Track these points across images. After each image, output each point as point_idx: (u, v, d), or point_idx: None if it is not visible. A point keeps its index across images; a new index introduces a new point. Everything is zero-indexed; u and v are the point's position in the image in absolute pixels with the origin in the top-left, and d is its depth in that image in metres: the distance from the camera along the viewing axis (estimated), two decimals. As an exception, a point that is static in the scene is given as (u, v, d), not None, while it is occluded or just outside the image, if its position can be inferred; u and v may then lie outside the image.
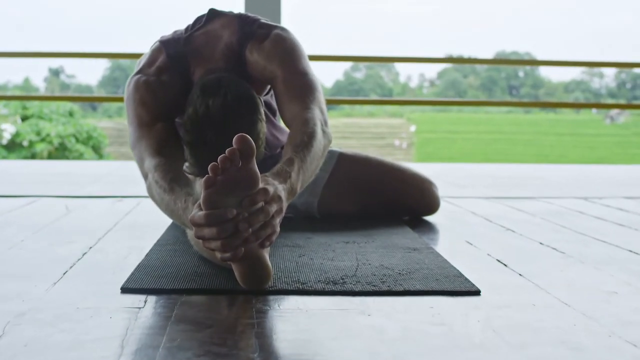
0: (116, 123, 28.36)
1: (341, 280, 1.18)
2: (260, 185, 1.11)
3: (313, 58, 2.58)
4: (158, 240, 1.53)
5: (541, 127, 32.65)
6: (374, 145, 29.01)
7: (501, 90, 49.67)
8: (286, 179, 1.21)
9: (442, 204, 2.11)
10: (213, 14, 1.58)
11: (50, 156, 17.21)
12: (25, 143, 17.18)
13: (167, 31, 1.63)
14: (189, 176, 1.53)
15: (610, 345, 0.89)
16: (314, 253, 1.41)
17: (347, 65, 55.26)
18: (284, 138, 1.80)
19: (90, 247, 1.48)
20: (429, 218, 1.95)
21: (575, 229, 1.80)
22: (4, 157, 16.29)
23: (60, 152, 17.61)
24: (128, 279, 1.17)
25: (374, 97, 47.23)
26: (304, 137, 1.35)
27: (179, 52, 1.53)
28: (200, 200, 1.07)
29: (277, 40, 1.51)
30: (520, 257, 1.44)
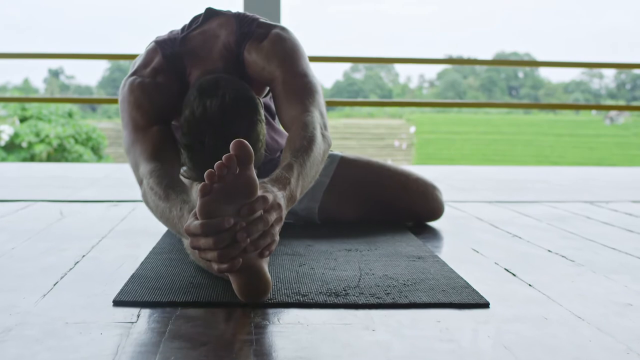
0: (116, 124, 28.32)
1: (344, 292, 1.13)
2: (259, 192, 1.06)
3: (312, 59, 2.53)
4: (154, 248, 1.47)
5: (541, 128, 32.63)
6: (373, 146, 28.96)
7: (501, 91, 49.69)
8: (285, 186, 1.16)
9: (446, 209, 2.06)
10: (210, 13, 1.53)
11: (49, 157, 17.16)
12: (24, 144, 17.12)
13: (166, 32, 1.57)
14: (186, 181, 1.48)
15: (629, 364, 0.84)
16: (315, 262, 1.36)
17: (347, 66, 55.33)
18: (283, 142, 1.75)
19: (83, 256, 1.43)
20: (433, 224, 1.89)
21: (583, 235, 1.75)
22: (2, 159, 16.24)
23: (60, 153, 17.55)
24: (121, 290, 1.12)
25: (373, 98, 47.20)
26: (304, 141, 1.29)
27: (175, 53, 1.48)
28: (196, 209, 1.02)
29: (276, 40, 1.46)
30: (529, 266, 1.39)
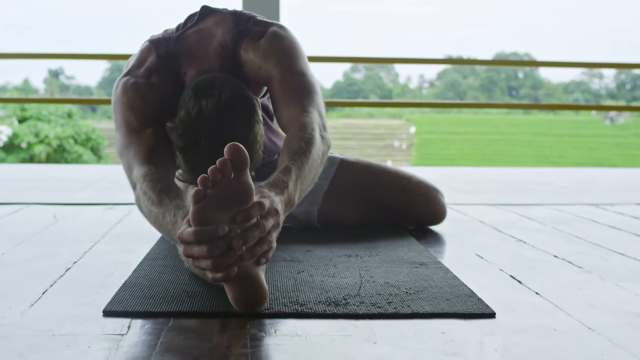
0: (115, 124, 28.25)
1: (343, 301, 1.09)
2: (255, 197, 1.02)
3: (312, 59, 2.49)
4: (148, 254, 1.43)
5: (540, 128, 32.59)
6: (373, 147, 28.92)
7: (501, 91, 49.67)
8: (283, 190, 1.12)
9: (448, 212, 2.01)
10: (206, 11, 1.48)
11: (48, 158, 17.10)
12: (23, 145, 17.06)
13: (161, 31, 1.53)
14: (182, 185, 1.44)
15: (645, 381, 0.80)
16: (314, 269, 1.32)
17: (347, 66, 55.32)
18: (281, 143, 1.70)
19: (75, 262, 1.38)
20: (435, 228, 1.85)
21: (589, 240, 1.70)
22: (1, 160, 16.19)
23: (59, 153, 17.49)
24: (111, 300, 1.08)
25: (373, 98, 47.18)
26: (302, 143, 1.25)
27: (169, 52, 1.43)
28: (189, 216, 0.98)
29: (274, 38, 1.41)
30: (535, 273, 1.34)
